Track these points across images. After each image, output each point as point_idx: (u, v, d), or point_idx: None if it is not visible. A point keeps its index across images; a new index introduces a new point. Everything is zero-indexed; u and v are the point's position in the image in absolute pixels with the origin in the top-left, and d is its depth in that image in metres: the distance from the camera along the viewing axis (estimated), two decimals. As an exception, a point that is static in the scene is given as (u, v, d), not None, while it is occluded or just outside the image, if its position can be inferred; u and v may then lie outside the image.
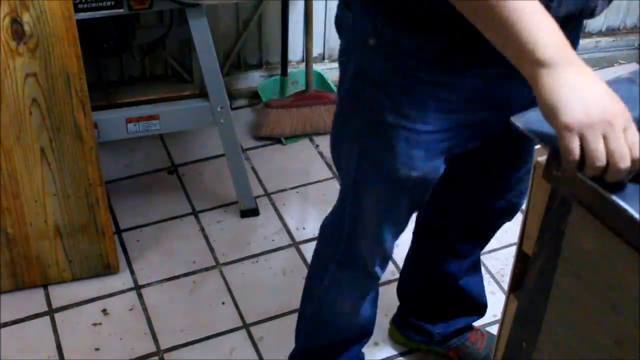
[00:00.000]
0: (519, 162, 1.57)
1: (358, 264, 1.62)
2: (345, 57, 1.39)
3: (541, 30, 1.03)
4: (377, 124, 1.36)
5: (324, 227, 1.69)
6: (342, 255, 1.62)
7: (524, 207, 1.20)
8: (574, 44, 1.29)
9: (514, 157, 1.56)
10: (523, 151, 1.53)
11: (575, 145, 0.97)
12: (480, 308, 1.95)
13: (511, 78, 1.15)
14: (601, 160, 0.96)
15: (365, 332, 1.82)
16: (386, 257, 1.61)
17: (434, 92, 1.30)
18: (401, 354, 2.05)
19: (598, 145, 0.97)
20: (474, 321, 1.98)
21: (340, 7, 1.39)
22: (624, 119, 0.98)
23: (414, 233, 1.87)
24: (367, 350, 1.97)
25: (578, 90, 0.99)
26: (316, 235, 2.35)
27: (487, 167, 1.58)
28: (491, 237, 1.81)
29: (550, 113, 1.00)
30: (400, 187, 1.44)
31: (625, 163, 0.96)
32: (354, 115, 1.41)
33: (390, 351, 2.06)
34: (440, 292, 1.89)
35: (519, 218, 1.27)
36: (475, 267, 1.88)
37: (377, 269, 1.62)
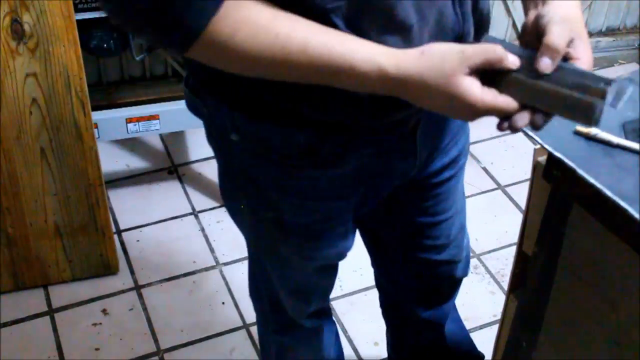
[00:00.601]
0: (428, 212, 1.43)
1: (294, 327, 1.56)
2: (211, 145, 1.29)
3: (354, 50, 0.95)
4: (260, 215, 1.29)
5: (252, 299, 1.63)
6: (275, 324, 1.58)
7: (524, 207, 1.20)
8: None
9: (416, 209, 1.43)
10: (424, 204, 1.40)
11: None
12: (474, 357, 1.83)
13: (389, 153, 1.13)
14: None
15: None
16: (320, 311, 1.57)
17: (311, 184, 1.21)
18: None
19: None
20: None
21: (187, 91, 1.22)
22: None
23: (380, 306, 1.78)
24: (366, 349, 1.97)
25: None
26: (316, 235, 2.35)
27: (400, 222, 1.47)
28: (453, 295, 1.68)
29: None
30: (303, 270, 1.41)
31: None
32: (236, 202, 1.32)
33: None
34: (425, 343, 1.78)
35: (519, 218, 1.27)
36: (455, 319, 1.77)
37: (311, 323, 1.58)
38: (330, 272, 1.49)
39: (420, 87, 0.95)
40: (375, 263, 1.64)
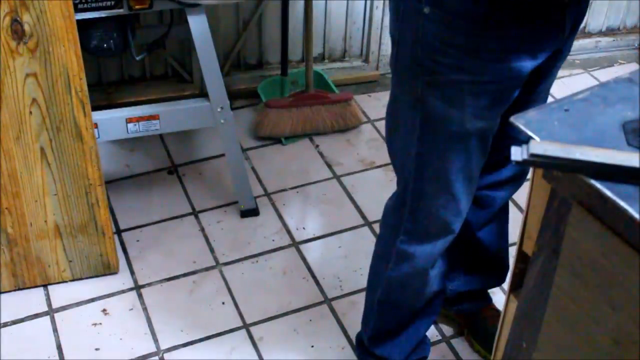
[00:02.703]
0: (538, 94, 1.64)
1: (421, 244, 1.67)
2: (399, 27, 1.48)
3: None
4: (442, 84, 1.46)
5: (385, 214, 1.74)
6: (405, 235, 1.67)
7: (524, 207, 1.20)
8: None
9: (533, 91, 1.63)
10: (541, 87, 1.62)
11: None
12: (499, 269, 1.97)
13: (550, 26, 1.30)
14: None
15: (432, 310, 1.86)
16: (461, 216, 1.68)
17: (487, 44, 1.41)
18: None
19: None
20: (491, 287, 2.00)
21: None
22: None
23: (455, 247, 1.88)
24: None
25: None
26: (316, 235, 2.36)
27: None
28: (514, 181, 1.83)
29: None
30: (468, 141, 1.52)
31: None
32: (414, 81, 1.49)
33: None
34: (456, 242, 1.89)
35: (519, 218, 1.27)
36: (496, 223, 1.89)
37: (442, 243, 1.69)
38: (482, 152, 1.59)
39: None
40: None
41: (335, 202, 2.47)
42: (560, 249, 1.09)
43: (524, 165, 1.03)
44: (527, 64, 1.45)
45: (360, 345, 1.92)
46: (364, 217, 2.41)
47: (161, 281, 2.21)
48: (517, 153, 1.02)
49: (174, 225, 2.38)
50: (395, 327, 1.85)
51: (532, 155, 1.00)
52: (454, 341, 2.08)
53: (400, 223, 1.67)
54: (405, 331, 1.85)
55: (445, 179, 1.57)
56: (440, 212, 1.62)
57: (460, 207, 1.63)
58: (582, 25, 1.58)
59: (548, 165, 1.03)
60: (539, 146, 1.01)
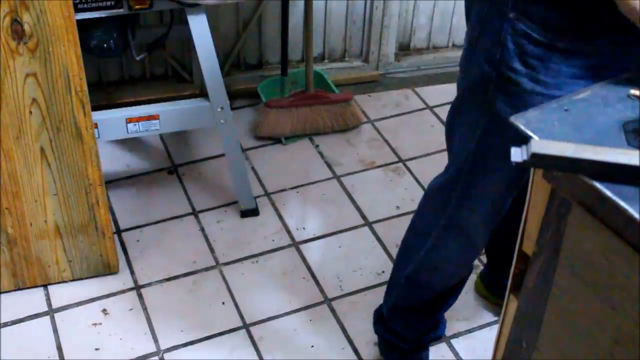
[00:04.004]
0: None
1: (462, 232, 1.69)
2: (479, 29, 1.47)
3: None
4: (513, 90, 1.44)
5: (430, 189, 1.74)
6: (448, 220, 1.68)
7: (524, 207, 1.19)
8: None
9: None
10: None
11: None
12: None
13: (632, 45, 1.26)
14: None
15: (454, 295, 1.88)
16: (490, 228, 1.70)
17: (567, 59, 1.38)
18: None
19: None
20: None
21: None
22: None
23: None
24: (366, 349, 1.97)
25: None
26: (316, 235, 2.36)
27: None
28: None
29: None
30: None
31: None
32: (486, 84, 1.47)
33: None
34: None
35: (519, 218, 1.27)
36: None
37: (482, 239, 1.71)
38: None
39: None
40: None
41: (335, 202, 2.47)
42: (560, 249, 1.09)
43: (524, 166, 1.03)
44: None
45: (380, 317, 1.95)
46: (364, 217, 2.41)
47: (161, 281, 2.21)
48: (517, 154, 1.02)
49: (174, 225, 2.38)
50: (415, 306, 1.87)
51: (533, 155, 1.00)
52: (453, 341, 2.08)
53: (447, 204, 1.68)
54: (424, 311, 1.88)
55: (499, 177, 1.59)
56: (488, 202, 1.65)
57: (500, 218, 1.66)
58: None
59: (549, 165, 1.03)
60: (539, 145, 1.01)
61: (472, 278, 2.16)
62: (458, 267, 1.80)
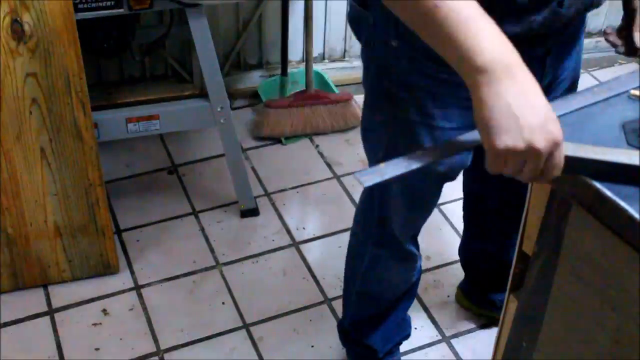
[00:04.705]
0: None
1: (393, 244, 1.68)
2: (367, 54, 1.42)
3: (480, 35, 0.98)
4: (402, 120, 1.40)
5: (358, 211, 1.75)
6: (377, 236, 1.68)
7: (524, 207, 1.20)
8: (579, 34, 1.43)
9: None
10: None
11: (498, 166, 0.99)
12: None
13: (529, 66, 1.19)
14: (512, 175, 1.00)
15: (410, 295, 1.87)
16: (416, 237, 1.71)
17: (456, 91, 1.29)
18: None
19: (515, 169, 0.98)
20: None
21: (353, 5, 1.40)
22: (551, 145, 0.97)
23: (463, 207, 1.93)
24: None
25: (514, 109, 0.96)
26: (316, 235, 2.36)
27: None
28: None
29: (483, 130, 0.98)
30: (427, 180, 1.50)
31: (529, 180, 1.01)
32: (379, 110, 1.45)
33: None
34: (490, 265, 1.93)
35: (519, 218, 1.27)
36: None
37: (411, 248, 1.70)
38: (441, 186, 1.58)
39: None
40: (467, 175, 1.80)
41: (335, 202, 2.47)
42: (560, 249, 1.09)
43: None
44: None
45: (343, 332, 1.94)
46: (364, 217, 2.41)
47: (161, 281, 2.21)
48: None
49: (174, 225, 2.38)
50: (373, 315, 1.87)
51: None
52: (453, 341, 2.08)
53: (369, 229, 1.69)
54: (383, 318, 1.87)
55: (400, 204, 1.58)
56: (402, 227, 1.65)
57: (415, 231, 1.69)
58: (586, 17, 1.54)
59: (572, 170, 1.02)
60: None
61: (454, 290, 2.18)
62: (400, 276, 1.79)
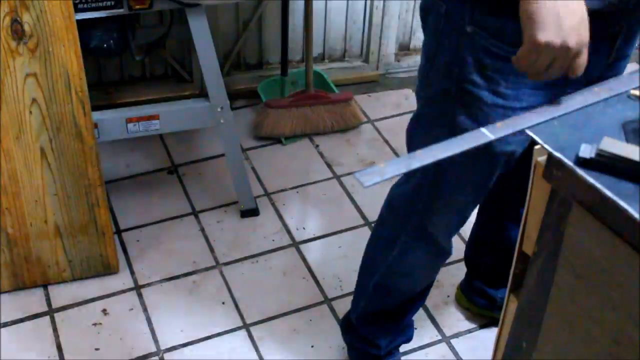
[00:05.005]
0: None
1: (430, 240, 1.68)
2: (436, 43, 1.46)
3: None
4: (474, 103, 1.44)
5: (393, 197, 1.73)
6: (414, 228, 1.67)
7: (524, 207, 1.20)
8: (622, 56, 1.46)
9: None
10: None
11: (530, 60, 1.16)
12: None
13: (592, 54, 1.24)
14: (538, 75, 1.20)
15: (424, 295, 1.88)
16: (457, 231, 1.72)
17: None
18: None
19: (545, 64, 1.17)
20: None
21: None
22: (581, 46, 1.16)
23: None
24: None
25: (558, 8, 1.14)
26: (316, 235, 2.36)
27: None
28: None
29: (527, 22, 1.15)
30: (492, 163, 1.52)
31: (553, 77, 1.20)
32: (446, 98, 1.47)
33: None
34: (502, 257, 1.90)
35: (519, 218, 1.27)
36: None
37: (449, 245, 1.72)
38: (502, 173, 1.58)
39: None
40: None
41: (335, 202, 2.47)
42: (560, 249, 1.09)
43: (586, 167, 1.03)
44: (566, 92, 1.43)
45: (348, 325, 1.93)
46: (364, 217, 2.41)
47: (161, 281, 2.21)
48: (586, 150, 1.02)
49: (174, 225, 2.38)
50: (384, 311, 1.87)
51: (600, 151, 1.00)
52: (453, 341, 2.08)
53: (412, 213, 1.67)
54: (393, 316, 1.87)
55: (456, 195, 1.59)
56: (450, 216, 1.65)
57: (463, 222, 1.68)
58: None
59: (607, 166, 1.01)
60: (609, 144, 1.01)
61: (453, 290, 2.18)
62: (426, 272, 1.80)
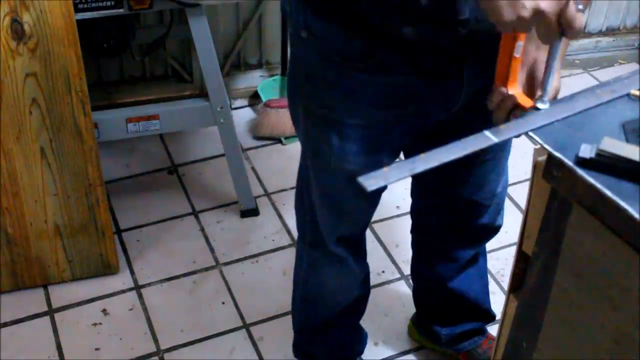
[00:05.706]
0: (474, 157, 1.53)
1: (323, 245, 1.62)
2: (291, 43, 1.42)
3: None
4: (313, 114, 1.39)
5: (295, 211, 1.70)
6: (311, 236, 1.64)
7: (524, 207, 1.20)
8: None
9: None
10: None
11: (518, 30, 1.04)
12: (481, 313, 1.93)
13: (444, 78, 1.19)
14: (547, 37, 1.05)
15: (356, 310, 1.84)
16: (350, 242, 1.63)
17: (364, 88, 1.29)
18: (401, 353, 2.05)
19: (530, 29, 1.04)
20: (480, 327, 1.95)
21: None
22: (556, 4, 1.01)
23: (411, 231, 1.87)
24: (366, 349, 1.97)
25: None
26: (316, 235, 2.36)
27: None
28: (476, 243, 1.77)
29: (489, 10, 1.02)
30: (338, 178, 1.45)
31: (550, 41, 1.07)
32: (297, 101, 1.43)
33: (388, 352, 2.06)
34: (433, 294, 1.89)
35: (519, 218, 1.27)
36: (470, 271, 1.84)
37: (337, 250, 1.62)
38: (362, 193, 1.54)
39: None
40: (413, 192, 1.72)
41: (335, 202, 2.47)
42: (560, 249, 1.09)
43: (586, 167, 1.02)
44: (422, 118, 1.34)
45: (295, 344, 1.93)
46: (364, 217, 2.41)
47: (161, 281, 2.21)
48: (585, 150, 1.02)
49: (174, 225, 2.38)
50: (319, 325, 1.85)
51: (600, 151, 1.00)
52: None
53: (304, 229, 1.65)
54: (331, 329, 1.84)
55: (322, 202, 1.54)
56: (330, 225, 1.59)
57: (341, 234, 1.60)
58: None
59: (607, 167, 1.01)
60: (609, 144, 1.00)
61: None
62: (336, 281, 1.73)
